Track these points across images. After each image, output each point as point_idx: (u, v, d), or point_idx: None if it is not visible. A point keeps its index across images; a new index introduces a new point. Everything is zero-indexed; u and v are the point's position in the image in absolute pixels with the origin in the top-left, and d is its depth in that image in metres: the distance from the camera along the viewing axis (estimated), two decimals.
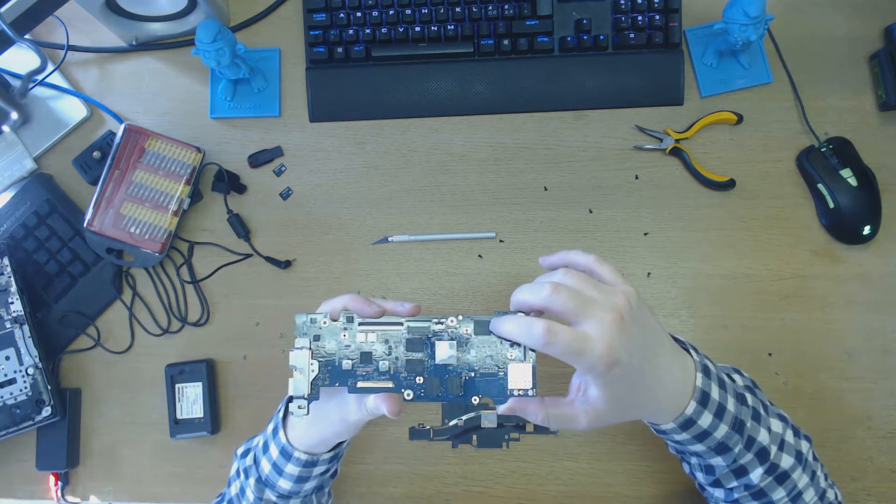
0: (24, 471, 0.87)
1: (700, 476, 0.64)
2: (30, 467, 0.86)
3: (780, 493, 0.60)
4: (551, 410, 0.55)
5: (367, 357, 0.56)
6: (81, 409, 0.88)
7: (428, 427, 0.84)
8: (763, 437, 0.59)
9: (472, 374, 0.55)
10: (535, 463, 0.83)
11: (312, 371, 0.55)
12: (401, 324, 0.56)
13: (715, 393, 0.57)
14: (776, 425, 0.61)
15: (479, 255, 0.87)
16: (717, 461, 0.60)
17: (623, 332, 0.51)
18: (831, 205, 0.82)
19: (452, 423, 0.84)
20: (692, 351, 0.60)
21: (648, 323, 0.55)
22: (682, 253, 0.85)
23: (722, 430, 0.57)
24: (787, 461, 0.60)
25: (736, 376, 0.64)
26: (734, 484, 0.61)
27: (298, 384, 0.55)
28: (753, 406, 0.60)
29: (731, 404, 0.58)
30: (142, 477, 0.87)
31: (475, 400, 0.55)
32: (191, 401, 0.85)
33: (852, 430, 0.81)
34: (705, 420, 0.56)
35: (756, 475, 0.59)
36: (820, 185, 0.83)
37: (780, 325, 0.83)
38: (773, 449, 0.59)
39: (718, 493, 0.64)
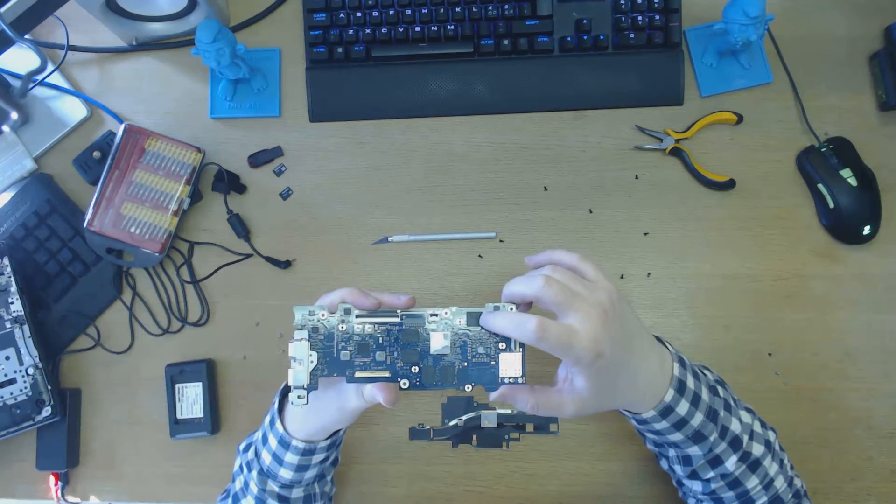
0: (24, 471, 0.91)
1: (678, 469, 0.71)
2: (30, 467, 0.90)
3: (753, 482, 0.67)
4: (540, 398, 0.61)
5: (364, 348, 0.61)
6: (81, 409, 0.92)
7: (428, 427, 0.89)
8: (735, 426, 0.66)
9: (465, 364, 0.61)
10: (536, 463, 0.87)
11: (311, 362, 0.61)
12: (396, 315, 0.62)
13: (690, 382, 0.64)
14: (745, 416, 0.68)
15: (479, 255, 0.92)
16: (694, 450, 0.66)
17: (606, 326, 0.58)
18: (831, 205, 0.87)
19: (452, 423, 0.88)
20: (667, 344, 0.67)
21: (628, 317, 0.62)
22: (682, 253, 0.90)
23: (698, 419, 0.64)
24: (758, 449, 0.67)
25: (707, 372, 0.71)
26: (711, 474, 0.67)
27: (298, 375, 0.61)
28: (724, 398, 0.67)
29: (705, 394, 0.65)
30: (142, 477, 0.91)
31: (468, 388, 0.61)
32: (191, 401, 0.90)
33: (852, 430, 0.86)
34: (682, 408, 0.63)
35: (731, 463, 0.66)
36: (820, 185, 0.88)
37: (780, 325, 0.88)
38: (745, 438, 0.66)
39: (696, 486, 0.70)
